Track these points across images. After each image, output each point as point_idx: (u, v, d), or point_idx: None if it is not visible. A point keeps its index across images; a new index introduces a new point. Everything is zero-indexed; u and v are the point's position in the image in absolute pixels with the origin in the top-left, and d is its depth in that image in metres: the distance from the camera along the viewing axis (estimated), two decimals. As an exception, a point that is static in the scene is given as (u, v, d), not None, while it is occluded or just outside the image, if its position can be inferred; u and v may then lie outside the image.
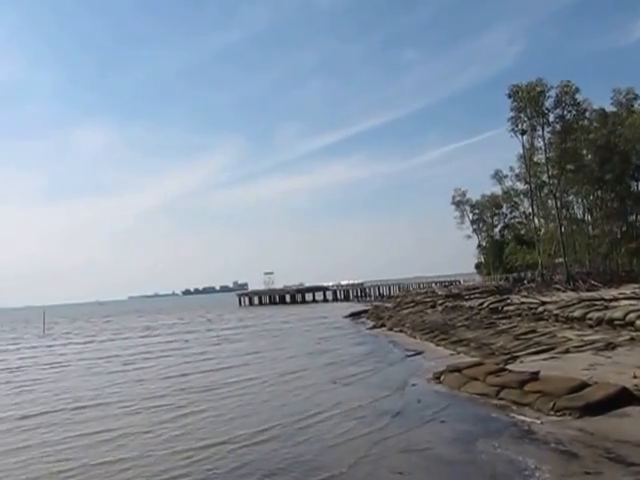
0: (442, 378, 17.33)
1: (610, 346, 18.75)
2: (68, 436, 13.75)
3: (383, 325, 39.17)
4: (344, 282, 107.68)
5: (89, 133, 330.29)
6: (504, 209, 76.96)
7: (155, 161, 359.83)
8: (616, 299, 29.35)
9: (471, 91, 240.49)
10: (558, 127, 51.10)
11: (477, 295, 47.78)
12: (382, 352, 26.38)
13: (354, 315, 52.49)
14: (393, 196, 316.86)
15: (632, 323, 20.84)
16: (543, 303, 30.31)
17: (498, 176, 68.52)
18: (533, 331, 24.32)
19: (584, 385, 12.91)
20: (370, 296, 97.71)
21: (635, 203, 56.35)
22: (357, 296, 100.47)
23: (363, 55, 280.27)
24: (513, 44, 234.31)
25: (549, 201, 59.30)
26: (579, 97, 51.73)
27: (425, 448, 10.99)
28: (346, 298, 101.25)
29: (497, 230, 79.02)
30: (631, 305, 25.24)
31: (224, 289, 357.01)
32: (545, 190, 58.35)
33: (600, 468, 8.87)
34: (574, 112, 51.28)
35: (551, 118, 51.17)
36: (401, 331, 33.75)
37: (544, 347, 19.92)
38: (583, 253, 54.33)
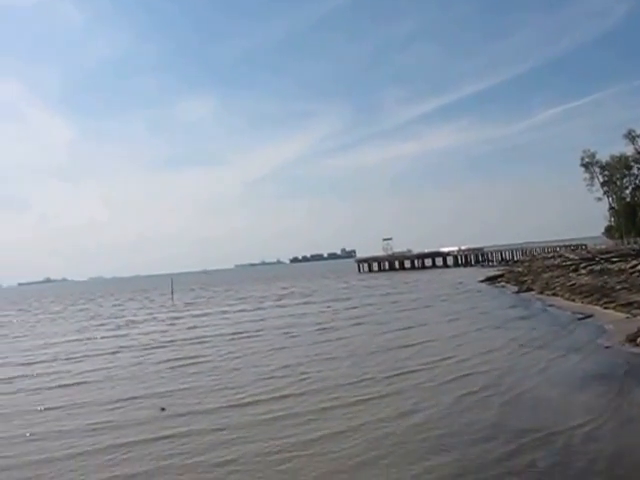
0: (639, 340, 16.56)
1: None
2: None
3: (530, 289, 37.98)
4: (464, 247, 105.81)
5: (195, 104, 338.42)
6: (635, 170, 72.35)
7: (261, 130, 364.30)
8: None
9: (576, 53, 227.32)
10: None
11: (617, 259, 45.22)
12: (547, 315, 25.76)
13: (490, 280, 51.32)
14: (496, 161, 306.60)
15: None
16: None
17: (631, 135, 64.32)
18: None
19: None
20: (492, 261, 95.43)
21: None
22: (479, 261, 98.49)
23: (464, 20, 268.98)
24: (621, 2, 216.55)
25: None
26: None
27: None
28: (467, 263, 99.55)
29: (627, 192, 74.50)
30: None
31: (332, 256, 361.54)
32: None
33: None
34: None
35: None
36: (554, 294, 32.60)
37: None
38: None
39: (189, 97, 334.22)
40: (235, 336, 25.83)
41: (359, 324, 27.27)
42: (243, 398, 13.74)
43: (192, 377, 16.96)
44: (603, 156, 75.45)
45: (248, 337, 25.34)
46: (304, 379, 15.39)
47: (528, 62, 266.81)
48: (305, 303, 43.24)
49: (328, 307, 37.76)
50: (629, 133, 64.40)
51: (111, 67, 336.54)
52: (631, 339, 16.94)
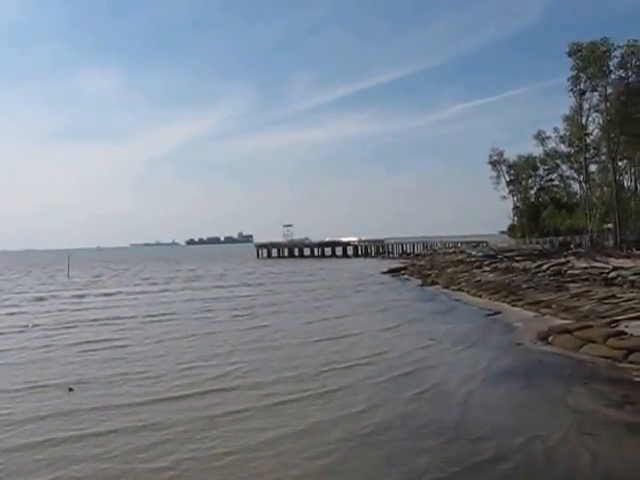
0: (550, 339, 17.35)
1: None
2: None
3: (435, 283, 39.22)
4: (364, 238, 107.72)
5: (96, 77, 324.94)
6: (540, 171, 76.00)
7: (165, 109, 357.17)
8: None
9: (489, 50, 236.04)
10: (621, 89, 50.01)
11: (521, 258, 47.59)
12: (456, 310, 26.49)
13: (393, 272, 52.49)
14: (402, 153, 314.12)
15: None
16: (615, 268, 30.11)
17: (541, 137, 67.33)
18: (613, 296, 24.12)
19: None
20: (392, 253, 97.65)
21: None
22: (379, 253, 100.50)
23: (377, 8, 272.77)
24: (536, 3, 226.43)
25: (591, 165, 58.85)
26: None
27: (586, 410, 10.89)
28: (367, 254, 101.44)
29: (532, 192, 78.16)
30: None
31: (229, 240, 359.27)
32: (591, 153, 57.73)
33: None
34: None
35: (612, 79, 50.24)
36: (459, 290, 33.78)
37: (644, 313, 19.77)
38: (634, 220, 53.80)
39: (91, 70, 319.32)
40: (149, 319, 24.91)
41: (280, 312, 26.92)
42: (170, 390, 12.80)
43: (108, 364, 15.75)
44: (510, 155, 78.88)
45: (164, 320, 24.47)
46: (237, 370, 14.69)
47: (440, 56, 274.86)
48: (216, 287, 42.61)
49: (241, 292, 37.37)
50: (539, 134, 67.39)
51: (6, 36, 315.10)
52: (542, 337, 17.71)
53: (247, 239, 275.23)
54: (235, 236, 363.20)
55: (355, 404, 11.49)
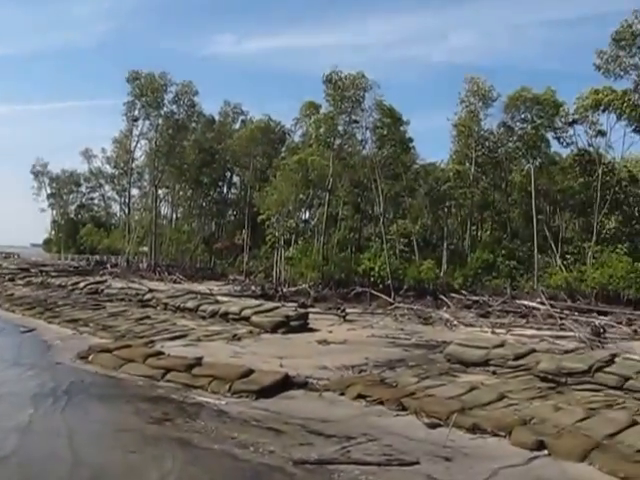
0: (91, 358, 17.20)
1: (236, 337, 21.28)
2: None
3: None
4: None
5: None
6: (83, 188, 76.10)
7: None
8: (212, 294, 32.72)
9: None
10: (171, 122, 53.33)
11: (56, 273, 46.37)
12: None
13: None
14: None
15: (247, 318, 23.82)
16: (151, 290, 31.65)
17: (88, 154, 67.57)
18: (148, 317, 25.39)
19: (251, 371, 14.74)
20: None
21: (225, 207, 62.47)
22: None
23: None
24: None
25: (134, 189, 61.76)
26: (196, 99, 55.04)
27: (131, 429, 11.20)
28: None
29: (72, 208, 77.26)
30: (230, 301, 28.95)
31: None
32: (135, 178, 60.48)
33: (310, 440, 10.66)
34: (189, 112, 54.37)
35: (165, 112, 53.27)
36: (-16, 303, 30.87)
37: (177, 334, 21.31)
38: (172, 246, 57.58)
39: None
40: None
41: None
42: None
43: None
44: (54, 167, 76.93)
45: None
46: None
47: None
48: None
49: None
50: (86, 151, 67.60)
51: None
52: (82, 356, 17.44)
53: None
54: None
55: None
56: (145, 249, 55.55)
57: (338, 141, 44.91)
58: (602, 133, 40.79)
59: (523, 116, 41.54)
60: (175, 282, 43.85)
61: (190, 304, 26.94)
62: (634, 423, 10.93)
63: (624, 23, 32.66)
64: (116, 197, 69.04)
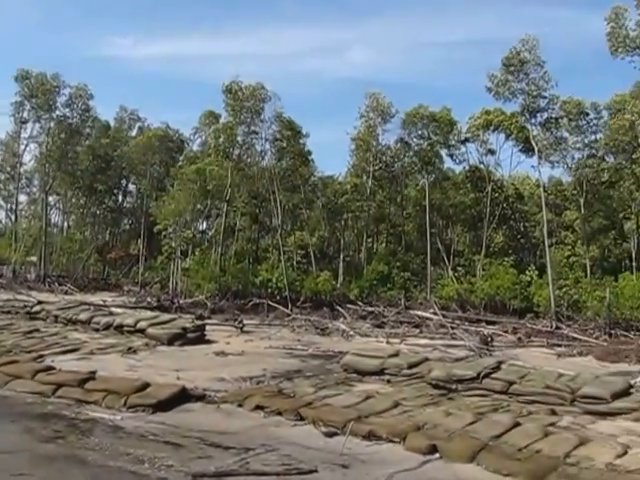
0: (-25, 377, 16.30)
1: (131, 350, 20.86)
2: None
3: None
4: None
5: None
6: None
7: None
8: (106, 305, 31.83)
9: None
10: (64, 126, 51.05)
11: None
12: None
13: None
14: None
15: (143, 330, 23.36)
16: (40, 302, 30.32)
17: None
18: (37, 330, 24.37)
19: (147, 385, 14.55)
20: None
21: (120, 215, 60.84)
22: None
23: None
24: None
25: (22, 196, 58.93)
26: (92, 103, 53.06)
27: (19, 449, 10.71)
28: None
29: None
30: (125, 313, 28.37)
31: None
32: (23, 183, 57.78)
33: (208, 453, 10.71)
34: (83, 117, 52.29)
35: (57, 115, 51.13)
36: None
37: (69, 347, 20.59)
38: (63, 256, 55.26)
39: None
40: None
41: None
42: None
43: None
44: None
45: None
46: None
47: None
48: None
49: None
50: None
51: None
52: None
53: None
54: None
55: None
56: (34, 259, 52.96)
57: (237, 151, 45.00)
58: (492, 152, 43.69)
59: (420, 132, 43.35)
60: (66, 293, 42.21)
61: (83, 316, 26.07)
62: (517, 424, 11.85)
63: (513, 50, 34.68)
64: (1, 203, 65.32)
